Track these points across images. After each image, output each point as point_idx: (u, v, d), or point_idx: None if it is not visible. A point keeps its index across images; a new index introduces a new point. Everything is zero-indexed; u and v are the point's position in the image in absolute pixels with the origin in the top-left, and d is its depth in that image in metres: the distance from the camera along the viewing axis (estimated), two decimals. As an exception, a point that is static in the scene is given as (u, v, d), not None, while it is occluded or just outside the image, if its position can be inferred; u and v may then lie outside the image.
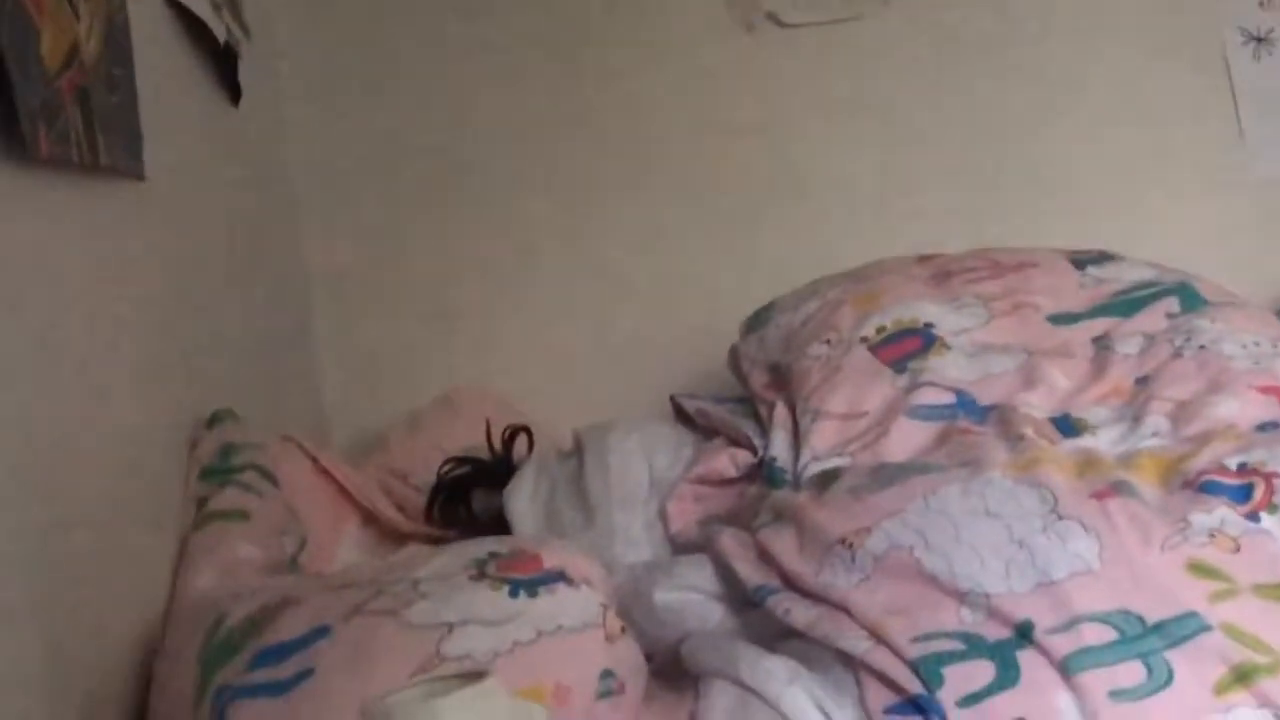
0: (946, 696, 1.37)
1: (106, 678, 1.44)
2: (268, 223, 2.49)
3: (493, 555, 1.49)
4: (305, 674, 1.33)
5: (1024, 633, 1.40)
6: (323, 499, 1.99)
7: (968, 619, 1.44)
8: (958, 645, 1.41)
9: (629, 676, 1.47)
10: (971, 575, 1.46)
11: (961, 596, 1.46)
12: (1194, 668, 1.35)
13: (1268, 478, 1.54)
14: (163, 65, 1.91)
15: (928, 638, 1.43)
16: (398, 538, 2.07)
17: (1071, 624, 1.39)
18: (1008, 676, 1.37)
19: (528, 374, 2.70)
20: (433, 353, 2.72)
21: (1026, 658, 1.38)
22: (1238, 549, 1.45)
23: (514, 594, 1.43)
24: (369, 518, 2.07)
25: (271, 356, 2.37)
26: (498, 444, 2.23)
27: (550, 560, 1.49)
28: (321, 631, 1.37)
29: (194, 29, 2.07)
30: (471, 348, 2.73)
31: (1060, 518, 1.50)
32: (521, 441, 2.25)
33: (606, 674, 1.43)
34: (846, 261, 2.24)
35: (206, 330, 1.98)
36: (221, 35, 2.15)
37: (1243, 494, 1.53)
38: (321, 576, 1.65)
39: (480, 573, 1.46)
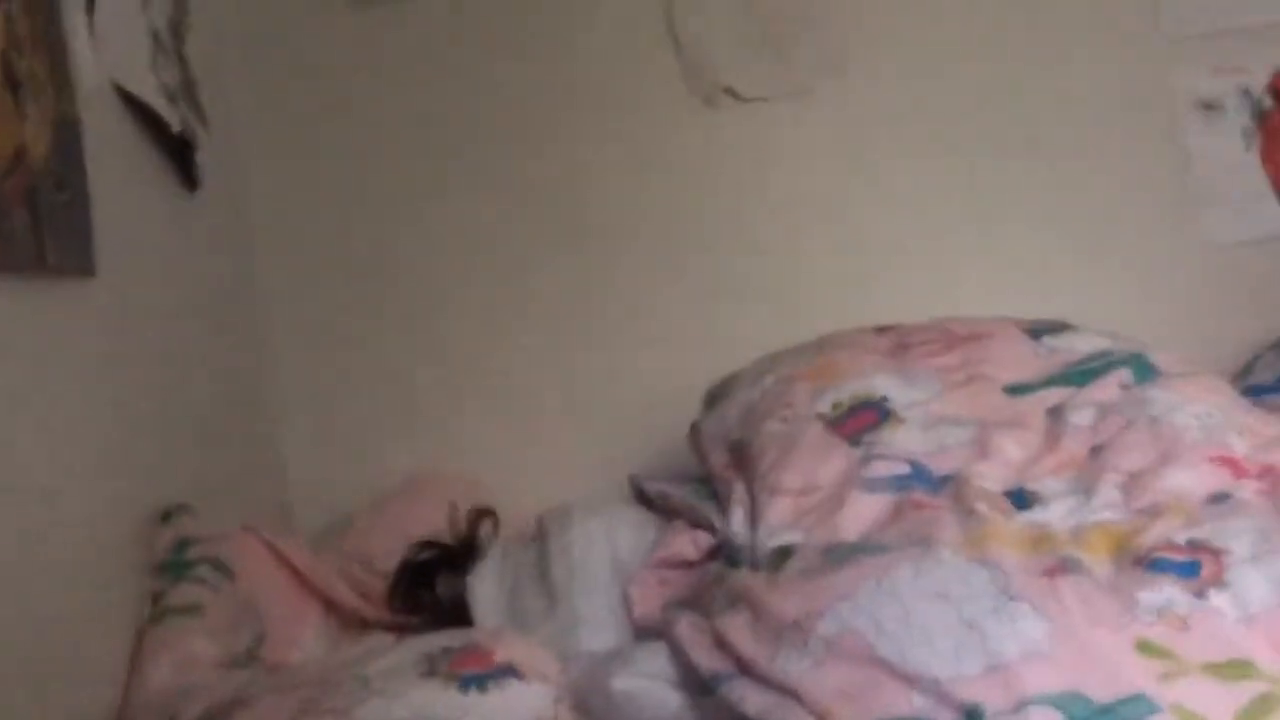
0: None
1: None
2: (228, 311, 2.49)
3: (445, 651, 1.49)
4: (254, 778, 1.33)
5: (973, 717, 1.40)
6: (284, 589, 1.99)
7: (918, 704, 1.43)
8: None
9: (582, 768, 1.48)
10: (922, 659, 1.46)
11: (912, 681, 1.45)
12: None
13: (1216, 554, 1.54)
14: (116, 158, 1.93)
15: None
16: (361, 625, 2.07)
17: (1020, 707, 1.38)
18: None
19: (493, 455, 2.69)
20: (398, 436, 2.71)
21: None
22: (1186, 627, 1.45)
23: (464, 690, 1.43)
24: (331, 606, 2.06)
25: (233, 446, 2.37)
26: (463, 527, 2.24)
27: (502, 654, 1.50)
28: (270, 735, 1.37)
29: (148, 120, 2.08)
30: (436, 430, 2.72)
31: (1010, 598, 1.50)
32: (487, 525, 2.25)
33: (558, 767, 1.43)
34: (811, 331, 2.25)
35: (163, 423, 1.98)
36: (176, 125, 2.16)
37: (1191, 570, 1.53)
38: (275, 673, 1.65)
39: (431, 669, 1.46)
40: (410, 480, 2.60)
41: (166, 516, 1.84)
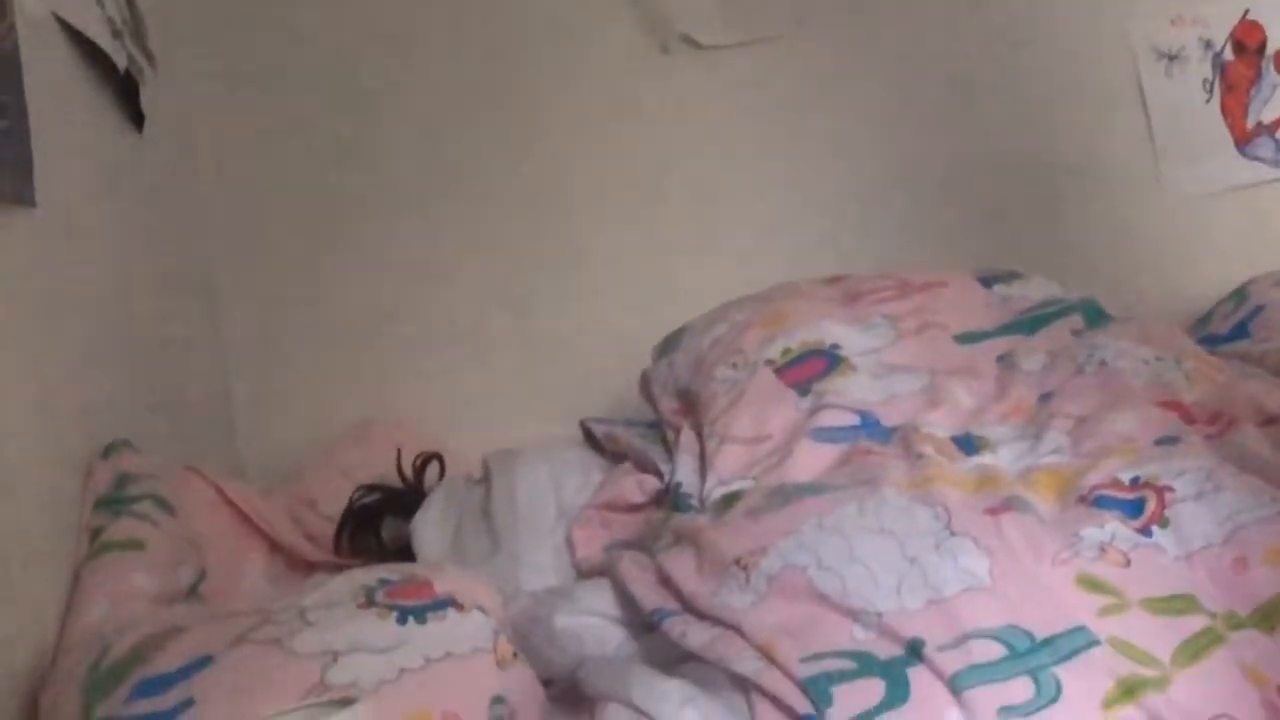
0: (836, 716, 1.36)
1: (-9, 713, 1.42)
2: (175, 250, 2.46)
3: (382, 582, 1.47)
4: (186, 704, 1.30)
5: (914, 650, 1.39)
6: (226, 529, 1.97)
7: (860, 637, 1.43)
8: (849, 664, 1.41)
9: (521, 703, 1.46)
10: (864, 594, 1.46)
11: (854, 615, 1.45)
12: (1082, 683, 1.35)
13: (1160, 492, 1.54)
14: (59, 92, 1.89)
15: (818, 657, 1.42)
16: (305, 567, 2.06)
17: (961, 641, 1.39)
18: (897, 694, 1.37)
19: (443, 402, 2.67)
20: (347, 382, 2.69)
21: (917, 675, 1.38)
22: (1128, 563, 1.46)
23: (402, 621, 1.41)
24: (276, 547, 2.04)
25: (177, 389, 2.34)
26: (409, 472, 2.22)
27: (441, 586, 1.48)
28: (204, 661, 1.34)
29: (93, 57, 2.05)
30: (386, 376, 2.70)
31: (953, 534, 1.50)
32: (434, 469, 2.24)
33: (497, 700, 1.41)
34: (770, 282, 2.23)
35: (107, 360, 1.95)
36: (122, 63, 2.13)
37: (1135, 508, 1.53)
38: (212, 607, 1.63)
39: (369, 600, 1.44)
40: (358, 426, 2.58)
41: (107, 452, 1.82)
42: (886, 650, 1.41)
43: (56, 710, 1.39)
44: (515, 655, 1.48)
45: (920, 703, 1.36)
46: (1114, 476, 1.59)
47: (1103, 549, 1.47)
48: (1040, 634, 1.38)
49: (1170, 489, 1.54)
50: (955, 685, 1.35)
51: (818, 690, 1.38)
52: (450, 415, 2.61)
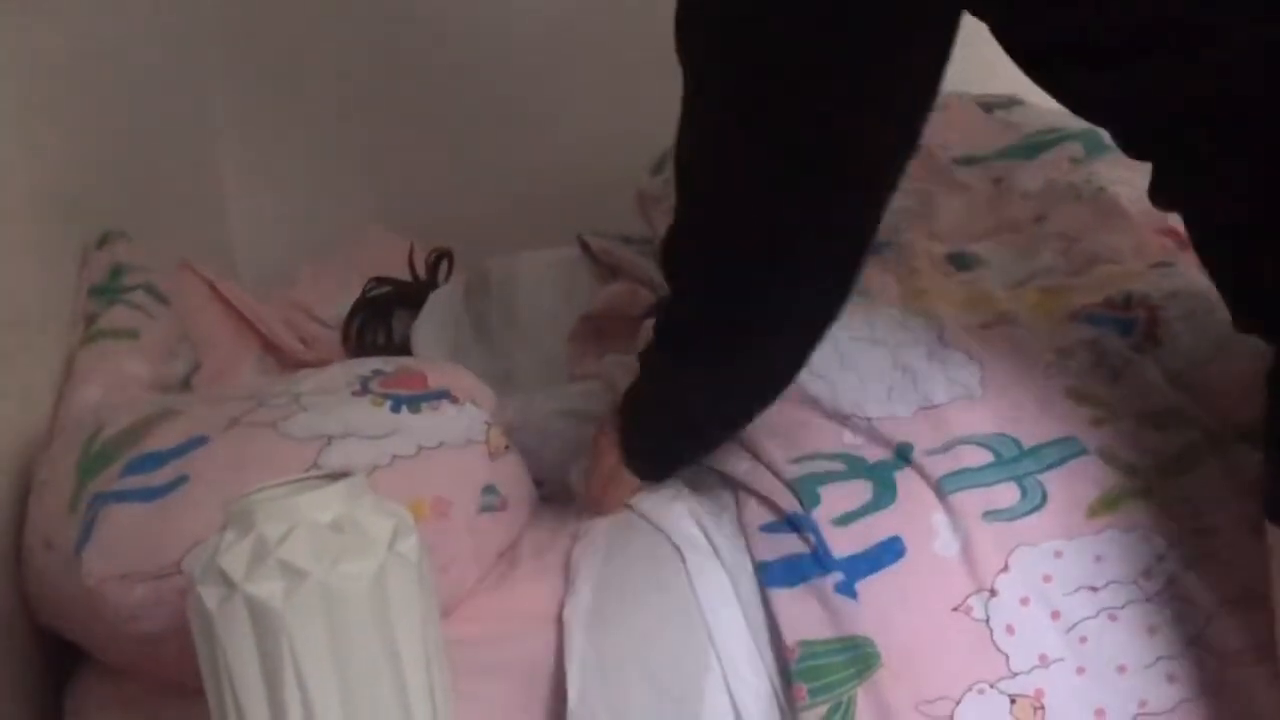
0: (822, 515, 1.37)
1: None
2: (167, 45, 2.43)
3: (376, 373, 1.48)
4: (179, 481, 1.32)
5: (903, 454, 1.41)
6: (219, 325, 1.97)
7: (848, 440, 1.45)
8: (837, 466, 1.42)
9: (512, 494, 1.48)
10: (854, 399, 1.47)
11: (844, 419, 1.46)
12: (1067, 491, 1.36)
13: (1151, 310, 1.54)
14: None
15: (808, 459, 1.43)
16: (298, 367, 2.05)
17: (949, 446, 1.40)
18: (884, 497, 1.38)
19: (443, 212, 2.62)
20: (344, 187, 2.66)
21: (904, 478, 1.40)
22: (1117, 378, 1.46)
23: (396, 409, 1.42)
24: (269, 347, 2.05)
25: (171, 189, 2.32)
26: (421, 269, 2.20)
27: (435, 379, 1.49)
28: (198, 441, 1.36)
29: None
30: (385, 181, 2.67)
31: (944, 345, 1.51)
32: (445, 266, 2.20)
33: (489, 489, 1.43)
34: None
35: (105, 154, 1.95)
36: None
37: (1126, 327, 1.54)
38: (206, 392, 1.64)
39: (363, 389, 1.45)
40: (359, 235, 2.53)
41: (102, 242, 1.81)
42: (875, 454, 1.42)
43: (49, 487, 1.41)
44: (507, 447, 1.49)
45: (906, 504, 1.37)
46: (1106, 295, 1.59)
47: (1094, 365, 1.48)
48: (1028, 443, 1.40)
49: (1163, 308, 1.55)
50: (941, 489, 1.37)
51: (805, 490, 1.39)
52: (448, 226, 2.55)
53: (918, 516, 1.37)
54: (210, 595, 1.06)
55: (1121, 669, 1.30)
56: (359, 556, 1.06)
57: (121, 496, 1.32)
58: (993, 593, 1.32)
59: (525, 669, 1.37)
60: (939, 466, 1.39)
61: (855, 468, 1.42)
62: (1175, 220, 1.82)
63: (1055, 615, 1.32)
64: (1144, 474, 1.37)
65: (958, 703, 1.30)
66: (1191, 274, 1.66)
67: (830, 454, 1.44)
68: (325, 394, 1.44)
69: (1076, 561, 1.33)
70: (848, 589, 1.34)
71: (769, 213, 1.26)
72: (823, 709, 1.31)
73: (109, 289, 1.73)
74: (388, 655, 1.08)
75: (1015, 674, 1.30)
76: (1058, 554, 1.33)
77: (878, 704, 1.30)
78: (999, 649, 1.31)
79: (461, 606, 1.39)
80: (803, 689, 1.32)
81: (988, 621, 1.32)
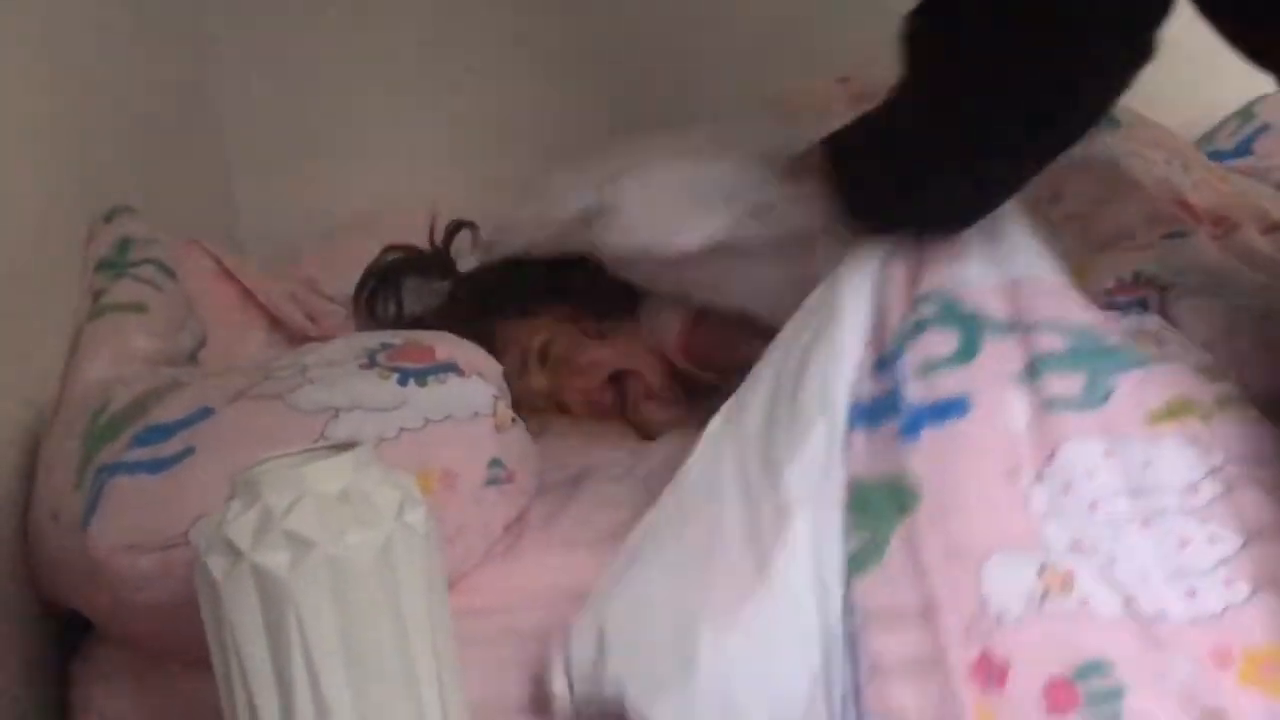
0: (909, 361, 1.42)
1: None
2: (172, 19, 2.43)
3: (384, 345, 1.48)
4: (185, 453, 1.32)
5: (993, 320, 1.45)
6: (226, 303, 1.96)
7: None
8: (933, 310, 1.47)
9: (519, 467, 1.48)
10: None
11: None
12: (1134, 393, 1.37)
13: (1161, 291, 1.57)
14: None
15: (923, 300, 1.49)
16: (305, 344, 2.05)
17: (1034, 327, 1.43)
18: (968, 350, 1.42)
19: (455, 191, 2.57)
20: (351, 167, 2.64)
21: (990, 340, 1.42)
22: (1161, 344, 1.49)
23: (403, 382, 1.42)
24: (276, 324, 2.04)
25: (176, 166, 2.31)
26: (439, 239, 2.16)
27: (442, 352, 1.49)
28: (205, 412, 1.36)
29: None
30: (392, 159, 2.64)
31: None
32: (465, 237, 2.18)
33: (495, 462, 1.44)
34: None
35: (112, 129, 1.95)
36: None
37: (1143, 305, 1.56)
38: (213, 366, 1.64)
39: (370, 361, 1.45)
40: (368, 211, 2.48)
41: (109, 216, 1.81)
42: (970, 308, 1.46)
43: (56, 460, 1.41)
44: (514, 420, 1.49)
45: (986, 364, 1.40)
46: (1117, 275, 1.60)
47: (1137, 330, 1.50)
48: (1107, 342, 1.42)
49: (1172, 286, 1.56)
50: (1019, 367, 1.40)
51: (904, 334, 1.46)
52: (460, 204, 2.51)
53: (990, 385, 1.39)
54: (216, 565, 1.06)
55: (1146, 577, 1.29)
56: (366, 527, 1.06)
57: (128, 468, 1.32)
58: (1039, 476, 1.33)
59: (531, 640, 1.36)
60: (1023, 345, 1.41)
61: (951, 312, 1.45)
62: (1190, 192, 1.84)
63: (1094, 506, 1.32)
64: (1206, 398, 1.39)
65: (987, 559, 1.30)
66: (1204, 247, 1.66)
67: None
68: (332, 366, 1.44)
69: (1124, 462, 1.33)
70: (912, 431, 1.37)
71: None
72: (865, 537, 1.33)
73: (116, 263, 1.73)
74: (394, 626, 1.08)
75: (1049, 549, 1.30)
76: (1108, 453, 1.34)
77: (909, 546, 1.31)
78: (1038, 525, 1.31)
79: (467, 578, 1.40)
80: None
81: (1030, 500, 1.33)
